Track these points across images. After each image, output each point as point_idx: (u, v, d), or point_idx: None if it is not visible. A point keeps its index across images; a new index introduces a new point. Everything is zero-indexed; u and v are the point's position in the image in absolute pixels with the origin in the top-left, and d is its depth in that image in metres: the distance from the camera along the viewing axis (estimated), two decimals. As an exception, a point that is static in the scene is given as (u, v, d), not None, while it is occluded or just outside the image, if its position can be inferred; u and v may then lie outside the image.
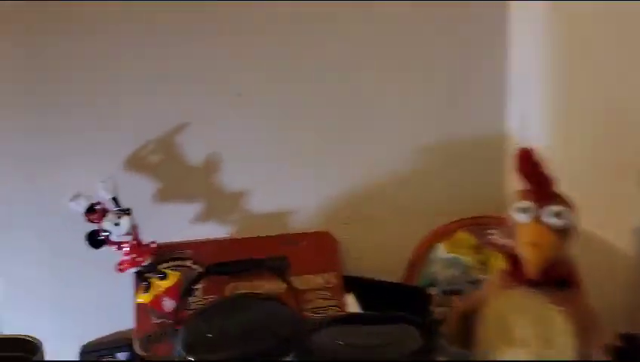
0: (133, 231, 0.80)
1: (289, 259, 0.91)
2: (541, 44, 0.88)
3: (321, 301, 0.90)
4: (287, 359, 0.65)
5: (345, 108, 0.93)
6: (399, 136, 0.95)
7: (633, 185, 0.70)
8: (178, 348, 0.67)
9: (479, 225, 0.96)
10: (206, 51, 0.88)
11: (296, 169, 0.93)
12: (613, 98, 0.74)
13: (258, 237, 0.92)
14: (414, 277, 0.99)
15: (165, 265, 0.87)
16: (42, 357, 0.70)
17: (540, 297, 0.62)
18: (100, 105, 0.86)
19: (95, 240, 0.79)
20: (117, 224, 0.79)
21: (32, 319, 0.88)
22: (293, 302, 0.79)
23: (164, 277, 0.82)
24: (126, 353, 0.85)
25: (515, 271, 0.65)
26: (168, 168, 0.89)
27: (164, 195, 0.89)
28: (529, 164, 0.62)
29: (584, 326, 0.61)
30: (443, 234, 0.98)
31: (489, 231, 0.95)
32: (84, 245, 0.78)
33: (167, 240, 0.88)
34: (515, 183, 0.65)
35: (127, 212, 0.79)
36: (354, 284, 0.93)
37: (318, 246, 0.93)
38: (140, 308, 0.84)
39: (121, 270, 0.81)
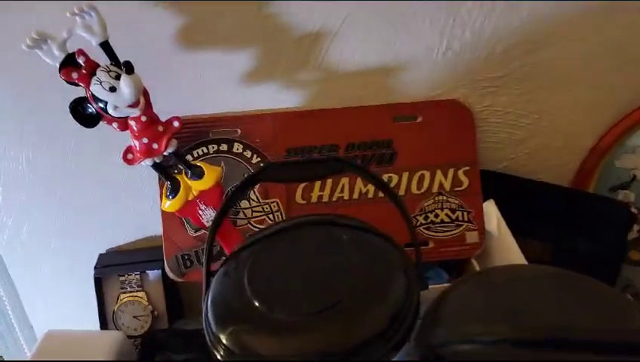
0: (143, 99, 0.49)
1: (396, 144, 0.57)
2: None
3: (445, 213, 0.57)
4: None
5: None
6: None
7: None
8: (206, 318, 0.38)
9: None
10: None
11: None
12: None
13: (348, 108, 0.57)
14: (593, 174, 0.62)
15: (202, 150, 0.56)
16: None
17: None
18: None
19: (83, 114, 0.49)
20: (113, 88, 0.47)
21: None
22: (398, 217, 0.46)
23: (197, 174, 0.52)
24: (157, 271, 0.60)
25: None
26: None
27: (189, 38, 0.54)
28: None
29: None
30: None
31: None
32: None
33: (200, 113, 0.56)
34: None
35: (127, 68, 0.46)
36: (498, 186, 0.59)
37: (444, 124, 0.57)
38: (169, 219, 0.56)
39: (129, 161, 0.51)
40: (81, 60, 0.47)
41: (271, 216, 0.57)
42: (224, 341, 0.35)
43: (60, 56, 0.47)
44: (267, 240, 0.43)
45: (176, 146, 0.51)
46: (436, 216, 0.57)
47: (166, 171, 0.52)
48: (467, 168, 0.57)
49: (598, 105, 0.59)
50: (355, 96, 0.57)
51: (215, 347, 0.36)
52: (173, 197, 0.52)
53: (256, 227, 0.57)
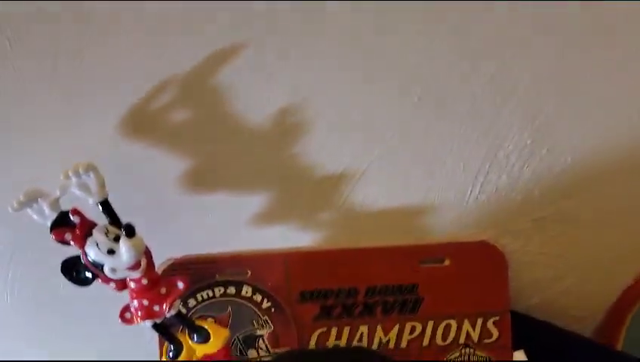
0: (145, 260, 0.43)
1: (420, 289, 0.52)
2: None
3: (472, 367, 0.52)
4: None
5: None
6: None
7: None
8: None
9: None
10: None
11: (441, 134, 0.48)
12: None
13: (369, 248, 0.52)
14: (625, 318, 0.57)
15: (207, 293, 0.51)
16: None
17: None
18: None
19: (77, 276, 0.44)
20: (111, 251, 0.41)
21: None
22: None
23: (203, 337, 0.46)
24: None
25: None
26: (205, 132, 0.47)
27: (198, 180, 0.48)
28: None
29: None
30: None
31: None
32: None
33: (206, 253, 0.51)
34: None
35: (128, 231, 0.41)
36: (528, 332, 0.54)
37: (474, 269, 0.52)
38: (167, 374, 0.50)
39: (127, 321, 0.45)
40: (75, 220, 0.42)
41: (281, 368, 0.52)
42: None
43: (52, 215, 0.41)
44: None
45: (181, 303, 0.46)
46: (463, 370, 0.52)
47: (168, 332, 0.46)
48: (497, 318, 0.52)
49: (638, 247, 0.55)
50: (377, 236, 0.52)
51: None
52: (174, 359, 0.46)
53: (264, 381, 0.52)
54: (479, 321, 0.52)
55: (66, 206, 0.41)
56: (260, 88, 0.45)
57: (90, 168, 0.40)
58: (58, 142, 0.46)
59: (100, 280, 0.44)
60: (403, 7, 0.43)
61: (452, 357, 0.52)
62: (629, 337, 0.58)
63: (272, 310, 0.51)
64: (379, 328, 0.52)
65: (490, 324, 0.52)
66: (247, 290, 0.51)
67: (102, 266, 0.42)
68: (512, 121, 0.48)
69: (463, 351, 0.52)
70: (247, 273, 0.51)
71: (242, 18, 0.42)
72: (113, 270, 0.42)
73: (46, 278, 0.52)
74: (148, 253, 0.44)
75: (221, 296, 0.51)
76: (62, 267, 0.43)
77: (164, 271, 0.50)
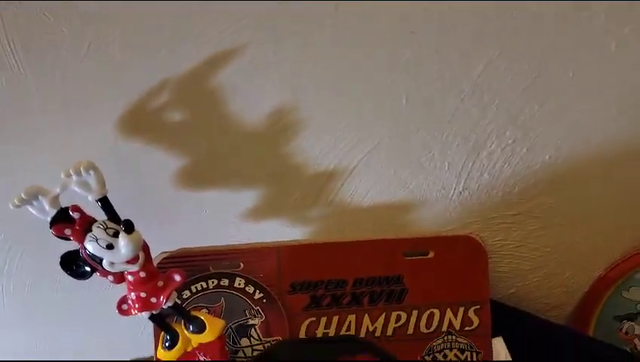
0: (142, 254, 0.45)
1: (406, 280, 0.54)
2: None
3: (453, 353, 0.55)
4: None
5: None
6: (613, 89, 0.49)
7: None
8: None
9: None
10: None
11: (427, 136, 0.50)
12: None
13: (357, 241, 0.54)
14: (598, 302, 0.61)
15: (201, 285, 0.53)
16: None
17: None
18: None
19: (76, 269, 0.45)
20: (110, 246, 0.43)
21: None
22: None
23: (198, 327, 0.48)
24: (149, 403, 0.57)
25: None
26: (201, 130, 0.48)
27: (194, 176, 0.50)
28: None
29: None
30: (673, 247, 0.57)
31: None
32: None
33: (200, 246, 0.52)
34: None
35: (127, 227, 0.42)
36: (506, 320, 0.57)
37: (456, 261, 0.55)
38: (163, 363, 0.52)
39: (124, 312, 0.47)
40: (75, 216, 0.43)
41: None
42: None
43: (52, 211, 0.43)
44: None
45: (177, 296, 0.47)
46: (445, 356, 0.55)
47: (164, 322, 0.48)
48: (478, 307, 0.55)
49: (610, 240, 0.58)
50: (364, 229, 0.54)
51: None
52: (170, 349, 0.48)
53: (257, 369, 0.54)
54: (461, 310, 0.55)
55: (64, 203, 0.42)
56: (255, 89, 0.46)
57: (91, 167, 0.41)
58: (59, 141, 0.47)
59: (98, 274, 0.45)
60: (391, 9, 0.44)
61: (435, 344, 0.55)
62: (599, 323, 0.62)
63: (264, 300, 0.53)
64: (366, 317, 0.55)
65: (471, 313, 0.55)
66: (239, 282, 0.53)
67: (100, 260, 0.44)
68: (495, 121, 0.50)
69: (445, 338, 0.55)
70: (240, 265, 0.53)
71: (239, 20, 0.44)
72: (112, 264, 0.44)
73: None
74: (146, 248, 0.45)
75: (214, 287, 0.53)
76: (61, 261, 0.44)
77: (159, 264, 0.51)
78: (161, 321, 0.48)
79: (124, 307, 0.47)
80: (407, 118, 0.49)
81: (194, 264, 0.52)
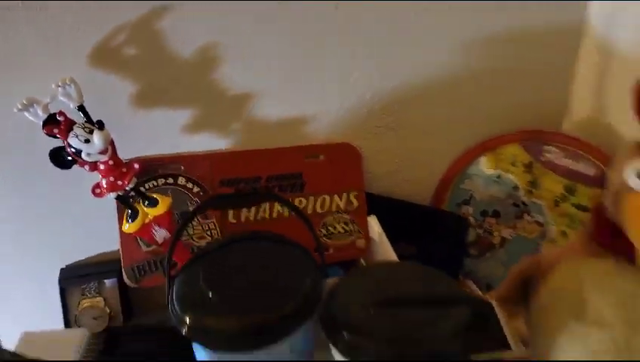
0: (110, 147, 0.63)
1: (305, 176, 0.76)
2: None
3: (340, 226, 0.77)
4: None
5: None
6: (446, 29, 0.73)
7: None
8: (172, 305, 0.54)
9: (534, 140, 0.80)
10: None
11: (315, 67, 0.72)
12: None
13: (267, 149, 0.75)
14: (446, 194, 0.85)
15: (153, 183, 0.71)
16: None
17: (633, 273, 0.49)
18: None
19: (61, 160, 0.63)
20: (88, 140, 0.61)
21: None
22: (307, 230, 0.65)
23: (152, 203, 0.67)
24: (113, 279, 0.74)
25: (602, 236, 0.50)
26: (150, 63, 0.67)
27: (143, 99, 0.69)
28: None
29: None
30: (489, 146, 0.82)
31: (546, 148, 0.79)
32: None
33: (152, 154, 0.71)
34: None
35: (99, 125, 0.61)
36: (378, 205, 0.80)
37: (340, 161, 0.77)
38: (127, 237, 0.70)
39: (97, 195, 0.65)
40: (60, 118, 0.61)
41: (209, 233, 0.73)
42: (187, 321, 0.51)
43: (43, 116, 0.60)
44: (213, 252, 0.60)
45: (136, 182, 0.66)
46: (334, 228, 0.77)
47: (127, 201, 0.66)
48: (356, 193, 0.77)
49: (451, 146, 0.82)
50: (274, 140, 0.75)
51: (181, 326, 0.52)
52: (132, 221, 0.67)
53: (197, 242, 0.73)
54: (344, 195, 0.77)
55: (53, 111, 0.60)
56: (189, 31, 0.66)
57: (72, 81, 0.60)
58: (47, 70, 0.64)
59: (78, 164, 0.63)
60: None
61: (327, 220, 0.76)
62: (448, 208, 0.85)
63: (201, 193, 0.73)
64: (276, 204, 0.75)
65: (352, 197, 0.77)
66: (182, 180, 0.72)
67: (80, 152, 0.62)
68: (360, 56, 0.72)
69: (334, 215, 0.77)
70: (182, 168, 0.72)
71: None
72: (89, 154, 0.62)
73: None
74: (112, 143, 0.64)
75: (163, 185, 0.72)
76: (50, 154, 0.62)
77: (120, 167, 0.69)
78: (125, 200, 0.66)
79: (97, 191, 0.65)
80: (301, 57, 0.71)
81: (148, 167, 0.71)
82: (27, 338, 0.65)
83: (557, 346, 0.53)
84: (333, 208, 0.77)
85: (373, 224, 0.78)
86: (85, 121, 0.62)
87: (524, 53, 0.76)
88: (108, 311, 0.74)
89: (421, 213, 0.81)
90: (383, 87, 0.75)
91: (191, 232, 0.73)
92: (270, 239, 0.61)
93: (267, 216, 0.75)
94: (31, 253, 0.76)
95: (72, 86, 0.60)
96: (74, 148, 0.61)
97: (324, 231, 0.77)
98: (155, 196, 0.67)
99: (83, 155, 0.62)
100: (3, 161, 0.70)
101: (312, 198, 0.76)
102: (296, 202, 0.76)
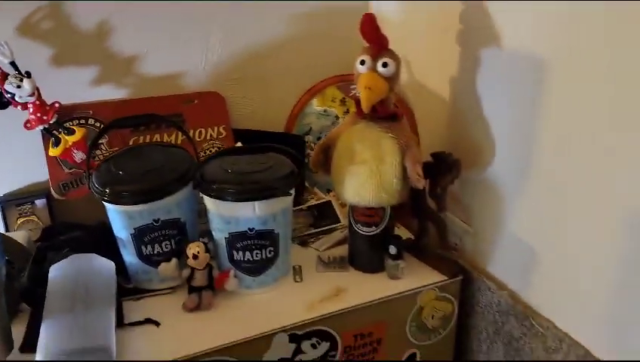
0: (37, 92, 0.89)
1: (184, 115, 1.05)
2: None
3: (214, 148, 1.07)
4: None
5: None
6: (279, 4, 1.08)
7: (454, 43, 0.91)
8: (94, 186, 0.81)
9: (345, 81, 1.15)
10: None
11: (186, 33, 1.03)
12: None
13: (154, 97, 1.03)
14: (293, 128, 1.18)
15: (69, 124, 0.97)
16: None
17: (375, 127, 0.84)
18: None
19: (0, 102, 0.87)
20: (19, 86, 0.86)
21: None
22: (190, 150, 0.94)
23: (70, 132, 0.93)
24: (43, 199, 0.98)
25: (359, 111, 0.85)
26: (62, 33, 0.94)
27: (60, 60, 0.96)
28: (368, 26, 0.79)
29: (406, 147, 0.84)
30: (316, 90, 1.17)
31: (352, 87, 1.15)
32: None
33: (68, 102, 0.97)
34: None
35: (27, 75, 0.87)
36: (242, 135, 1.11)
37: (210, 104, 1.08)
38: (52, 161, 0.95)
39: (28, 128, 0.90)
40: (-2, 71, 0.86)
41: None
42: (107, 190, 0.79)
43: (-15, 69, 0.85)
44: (122, 154, 0.88)
45: (57, 118, 0.92)
46: (210, 150, 1.07)
47: (51, 132, 0.92)
48: (224, 126, 1.08)
49: (290, 91, 1.15)
50: (161, 90, 1.04)
51: (102, 196, 0.79)
52: (56, 147, 0.92)
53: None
54: (216, 128, 1.07)
55: (-9, 66, 0.85)
56: (93, 9, 0.94)
57: (5, 42, 0.85)
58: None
59: (12, 105, 0.88)
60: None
61: (205, 145, 1.06)
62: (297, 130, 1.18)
63: (107, 130, 1.00)
64: (165, 135, 1.04)
65: (221, 129, 1.08)
66: (91, 120, 0.99)
67: (13, 95, 0.87)
68: (217, 23, 1.04)
69: (209, 143, 1.07)
70: (90, 112, 0.99)
71: (74, -23, 0.92)
72: (20, 97, 0.87)
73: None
74: (37, 89, 0.89)
75: (77, 125, 0.98)
76: (-9, 98, 0.86)
77: (43, 113, 0.95)
78: (49, 131, 0.92)
79: (28, 125, 0.90)
80: (175, 25, 1.01)
81: (65, 111, 0.97)
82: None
83: (342, 182, 0.86)
84: (209, 137, 1.07)
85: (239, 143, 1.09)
86: (17, 73, 0.87)
87: (332, 23, 1.13)
88: (41, 224, 0.98)
89: (274, 137, 1.13)
90: (234, 48, 1.07)
91: (99, 152, 0.99)
92: (162, 145, 0.91)
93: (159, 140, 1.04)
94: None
95: (6, 47, 0.86)
96: (9, 92, 0.87)
97: (202, 153, 1.06)
98: (72, 127, 0.94)
99: (16, 98, 0.87)
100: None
101: (191, 132, 1.06)
102: (181, 135, 1.05)
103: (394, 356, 0.94)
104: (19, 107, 0.89)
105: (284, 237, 0.86)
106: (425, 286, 0.90)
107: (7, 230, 0.97)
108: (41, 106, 0.90)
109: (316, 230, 1.05)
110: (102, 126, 0.99)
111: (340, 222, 1.07)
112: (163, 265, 0.84)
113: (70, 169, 0.97)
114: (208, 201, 0.84)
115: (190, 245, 0.82)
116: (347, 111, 1.15)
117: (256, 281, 0.87)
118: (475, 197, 0.94)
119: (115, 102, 1.01)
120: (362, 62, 0.79)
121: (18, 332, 0.76)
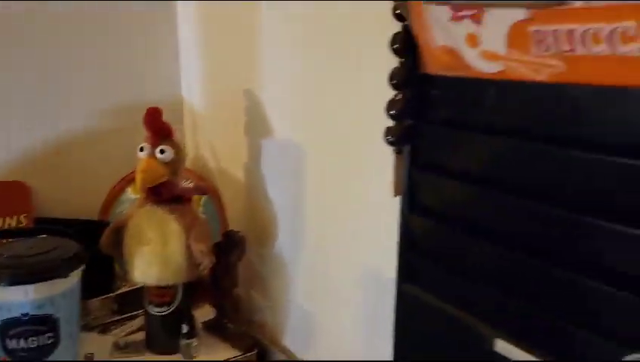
0: None
1: None
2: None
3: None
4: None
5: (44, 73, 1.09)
6: (84, 97, 1.14)
7: (242, 137, 1.03)
8: None
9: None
10: None
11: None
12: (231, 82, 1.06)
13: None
14: (108, 215, 1.20)
15: None
16: None
17: (159, 210, 0.90)
18: None
19: None
20: None
21: None
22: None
23: None
24: None
25: (148, 195, 0.91)
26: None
27: None
28: (151, 117, 0.88)
29: (191, 228, 0.90)
30: (131, 178, 1.21)
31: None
32: None
33: None
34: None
35: None
36: (48, 223, 1.10)
37: (11, 194, 1.07)
38: None
39: None
40: None
41: None
42: None
43: None
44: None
45: None
46: (8, 241, 1.04)
47: None
48: (25, 215, 1.07)
49: (105, 178, 1.19)
50: None
51: None
52: None
53: None
54: (15, 217, 1.06)
55: None
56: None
57: None
58: None
59: None
60: None
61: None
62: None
63: None
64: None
65: (22, 218, 1.06)
66: None
67: None
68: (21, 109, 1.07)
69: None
70: None
71: None
72: None
73: None
74: None
75: None
76: None
77: None
78: None
79: None
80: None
81: None
82: None
83: (131, 262, 0.89)
84: (6, 226, 1.05)
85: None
86: None
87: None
88: None
89: (82, 225, 1.13)
90: (44, 137, 1.10)
91: None
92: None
93: None
94: None
95: None
96: None
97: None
98: None
99: None
100: None
101: (-13, 220, 1.03)
102: (-27, 223, 1.02)
103: None
104: None
105: (67, 322, 0.85)
106: (218, 362, 0.93)
107: None
108: None
109: (120, 317, 1.04)
110: None
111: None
112: None
113: None
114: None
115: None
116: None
117: (35, 372, 0.83)
118: (270, 271, 1.02)
119: None
120: (141, 149, 0.86)
121: None
